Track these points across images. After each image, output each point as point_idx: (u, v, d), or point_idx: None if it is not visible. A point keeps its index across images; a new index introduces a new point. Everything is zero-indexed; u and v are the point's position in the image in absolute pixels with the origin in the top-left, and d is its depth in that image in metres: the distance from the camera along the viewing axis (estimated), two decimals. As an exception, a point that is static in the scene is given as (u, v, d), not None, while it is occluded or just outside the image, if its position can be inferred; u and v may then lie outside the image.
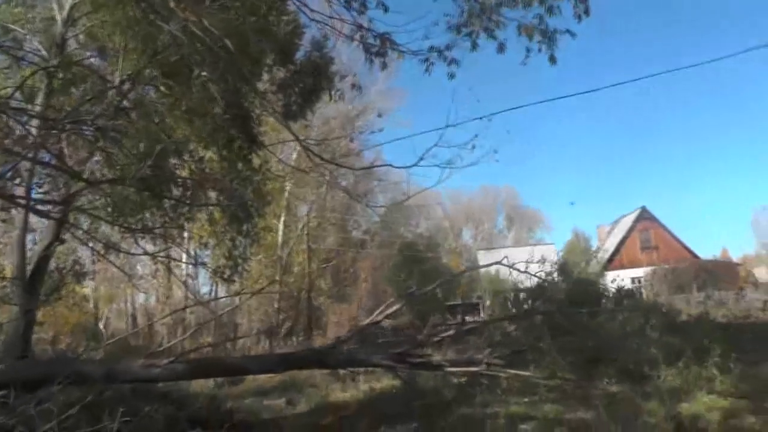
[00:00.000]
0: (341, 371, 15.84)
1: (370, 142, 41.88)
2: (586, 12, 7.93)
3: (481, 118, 10.27)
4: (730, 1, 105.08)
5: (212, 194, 12.10)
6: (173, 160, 11.85)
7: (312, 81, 12.65)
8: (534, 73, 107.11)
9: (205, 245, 18.09)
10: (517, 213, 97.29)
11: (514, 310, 24.68)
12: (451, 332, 14.36)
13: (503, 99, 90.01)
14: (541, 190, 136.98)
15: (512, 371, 12.81)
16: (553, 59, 8.44)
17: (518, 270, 13.73)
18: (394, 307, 14.17)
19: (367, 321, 14.00)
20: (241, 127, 11.39)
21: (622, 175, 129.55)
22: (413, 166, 10.47)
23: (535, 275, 18.36)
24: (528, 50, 8.33)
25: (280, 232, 37.84)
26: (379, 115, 38.18)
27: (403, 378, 13.61)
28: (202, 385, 15.61)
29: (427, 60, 8.83)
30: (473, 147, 10.74)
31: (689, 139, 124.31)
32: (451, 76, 9.02)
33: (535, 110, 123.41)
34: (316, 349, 15.48)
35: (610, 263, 55.02)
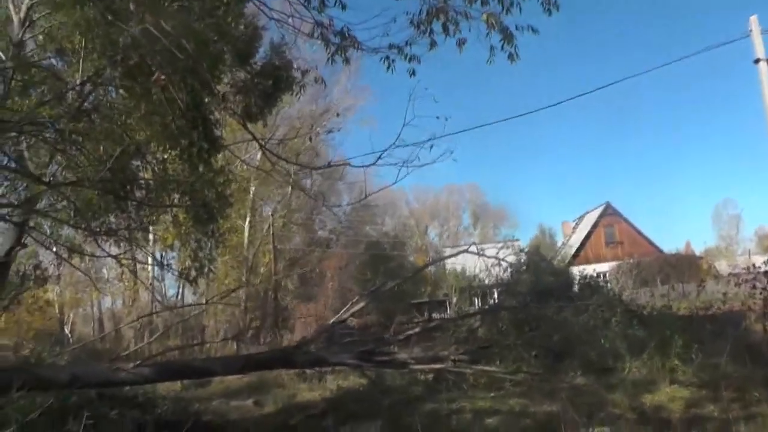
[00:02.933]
0: (308, 371, 15.86)
1: (333, 142, 41.92)
2: (556, 7, 7.94)
3: (438, 117, 10.28)
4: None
5: (175, 196, 12.01)
6: (135, 162, 11.75)
7: (272, 83, 12.57)
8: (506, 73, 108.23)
9: (171, 247, 17.96)
10: (482, 210, 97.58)
11: (480, 307, 24.84)
12: (417, 330, 14.38)
13: (475, 99, 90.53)
14: (506, 188, 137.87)
15: (478, 367, 12.90)
16: (512, 57, 8.46)
17: (485, 256, 13.81)
18: (360, 305, 14.17)
19: (333, 320, 14.00)
20: (201, 129, 11.32)
21: (587, 172, 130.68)
22: (371, 165, 10.46)
23: (500, 263, 18.54)
24: (492, 48, 8.34)
25: (246, 233, 37.65)
26: (337, 115, 38.04)
27: (370, 376, 13.64)
28: (169, 388, 15.51)
29: (387, 57, 8.84)
30: (431, 147, 10.77)
31: (652, 136, 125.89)
32: (412, 73, 9.04)
33: (501, 109, 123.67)
34: (282, 350, 15.45)
35: (576, 258, 55.49)
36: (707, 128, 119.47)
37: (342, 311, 14.03)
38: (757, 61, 17.33)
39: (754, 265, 15.18)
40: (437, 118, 10.09)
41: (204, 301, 29.56)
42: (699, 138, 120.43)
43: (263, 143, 12.72)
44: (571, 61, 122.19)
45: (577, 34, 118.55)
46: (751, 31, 17.37)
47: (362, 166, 11.28)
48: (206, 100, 10.99)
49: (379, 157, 10.04)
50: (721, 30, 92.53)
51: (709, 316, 14.89)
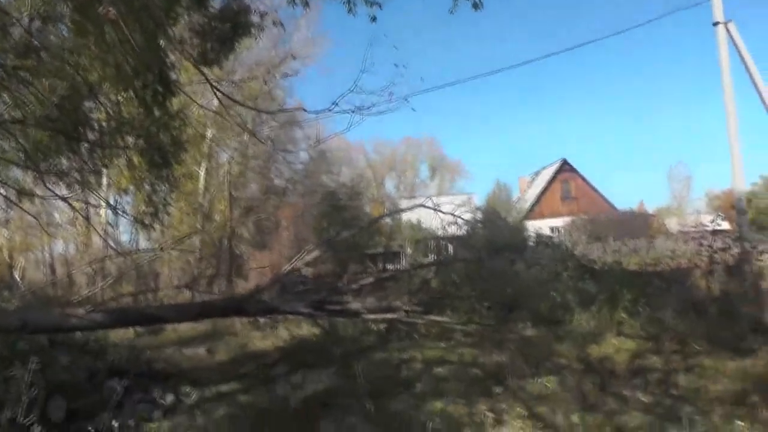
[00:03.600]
0: (261, 320, 15.88)
1: (292, 90, 41.49)
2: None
3: (396, 65, 10.21)
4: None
5: (130, 139, 11.82)
6: (89, 104, 11.51)
7: (230, 27, 12.39)
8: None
9: (125, 191, 17.72)
10: (439, 164, 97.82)
11: (434, 258, 24.99)
12: (370, 280, 14.45)
13: (440, 52, 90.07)
14: (464, 142, 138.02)
15: (430, 317, 13.03)
16: (476, 6, 8.41)
17: (440, 211, 13.84)
18: (313, 254, 14.17)
19: (286, 268, 14.00)
20: (156, 71, 11.11)
21: (544, 129, 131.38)
22: (325, 111, 10.37)
23: (456, 219, 18.61)
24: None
25: (202, 179, 37.16)
26: (293, 57, 37.53)
27: (323, 325, 13.72)
28: (121, 336, 15.44)
29: (348, 2, 8.78)
30: (390, 95, 10.71)
31: (610, 95, 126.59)
32: (373, 19, 9.01)
33: (461, 63, 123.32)
34: (235, 298, 15.42)
35: (531, 213, 56.04)
36: (666, 91, 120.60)
37: (294, 259, 14.03)
38: (716, 24, 17.61)
39: (701, 223, 15.49)
40: (395, 65, 10.05)
41: (158, 248, 29.31)
42: (657, 101, 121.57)
43: (214, 84, 12.53)
44: (538, 15, 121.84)
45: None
46: (711, -6, 17.76)
47: (315, 112, 11.20)
48: (161, 42, 10.78)
49: (334, 104, 9.97)
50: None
51: (657, 272, 15.17)
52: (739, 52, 18.17)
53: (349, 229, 21.63)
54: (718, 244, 13.14)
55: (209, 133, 35.48)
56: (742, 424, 6.44)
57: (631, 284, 14.18)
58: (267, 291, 12.87)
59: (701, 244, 13.44)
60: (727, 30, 17.85)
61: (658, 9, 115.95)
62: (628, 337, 11.53)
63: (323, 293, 13.14)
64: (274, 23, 11.29)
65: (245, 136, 37.69)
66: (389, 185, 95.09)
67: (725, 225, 30.82)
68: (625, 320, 12.73)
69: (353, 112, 10.07)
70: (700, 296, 13.17)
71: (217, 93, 12.56)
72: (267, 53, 36.30)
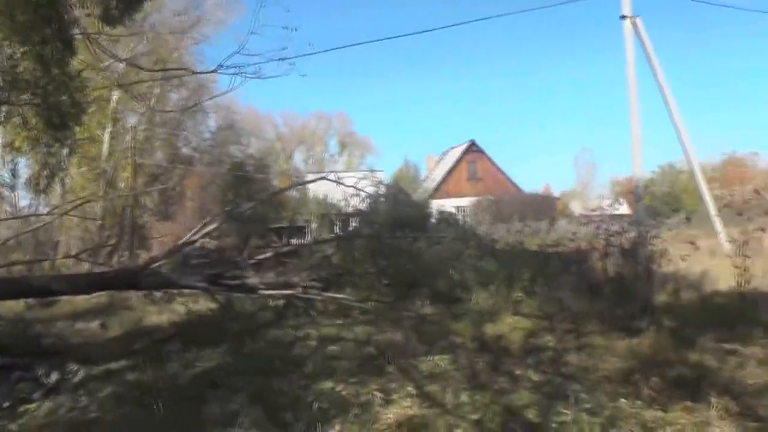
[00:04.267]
0: (158, 293, 15.46)
1: (202, 57, 40.56)
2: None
3: (286, 27, 10.03)
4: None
5: (25, 97, 11.24)
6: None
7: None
8: None
9: (19, 152, 16.96)
10: (349, 139, 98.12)
11: (338, 233, 24.84)
12: (269, 254, 14.24)
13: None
14: (375, 119, 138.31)
15: (327, 294, 12.96)
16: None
17: (343, 185, 13.68)
18: (213, 226, 13.90)
19: (183, 240, 13.66)
20: (56, 27, 10.55)
21: (455, 109, 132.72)
22: (213, 71, 10.12)
23: (360, 193, 18.48)
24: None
25: (106, 144, 36.05)
26: (201, 22, 36.75)
27: (220, 301, 13.42)
28: (10, 308, 14.79)
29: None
30: (282, 59, 10.49)
31: (521, 79, 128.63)
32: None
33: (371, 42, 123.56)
34: (129, 270, 14.99)
35: (437, 192, 56.59)
36: (575, 78, 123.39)
37: (192, 231, 13.70)
38: (623, 17, 18.24)
39: (602, 207, 15.84)
40: (285, 28, 9.85)
41: (55, 213, 28.16)
42: (568, 86, 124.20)
43: (92, 36, 11.98)
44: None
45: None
46: (620, -12, 18.53)
47: (204, 72, 10.96)
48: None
49: (220, 65, 9.71)
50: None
51: (557, 253, 15.40)
52: (643, 45, 18.87)
53: (251, 201, 21.21)
54: (615, 227, 13.42)
55: (114, 97, 34.33)
56: (625, 401, 6.57)
57: (529, 264, 14.36)
58: (163, 263, 12.54)
59: (599, 228, 13.70)
60: (634, 24, 18.45)
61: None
62: (524, 316, 11.65)
63: (221, 267, 12.88)
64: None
65: (152, 101, 36.70)
66: (298, 159, 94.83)
67: (624, 209, 31.69)
68: (522, 299, 12.87)
69: (237, 74, 9.83)
70: (596, 277, 13.42)
71: (95, 47, 12.02)
72: (178, 18, 35.37)
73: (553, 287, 13.17)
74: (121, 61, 15.90)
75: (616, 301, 11.85)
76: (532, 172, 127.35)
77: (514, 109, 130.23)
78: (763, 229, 13.03)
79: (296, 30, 10.32)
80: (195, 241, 13.29)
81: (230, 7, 42.05)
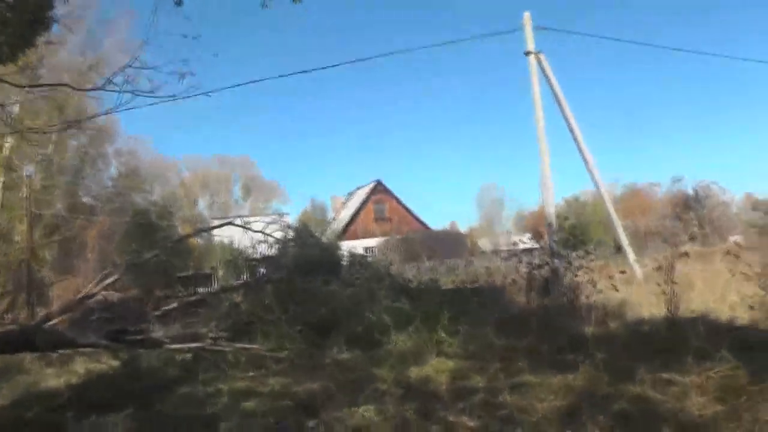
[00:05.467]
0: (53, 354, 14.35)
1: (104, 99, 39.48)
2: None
3: (185, 36, 9.52)
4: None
5: None
6: None
7: (28, 20, 11.11)
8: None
9: None
10: (254, 183, 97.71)
11: (246, 280, 24.09)
12: (174, 305, 13.51)
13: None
14: (278, 161, 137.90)
15: (238, 345, 12.23)
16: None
17: (250, 229, 13.15)
18: (114, 277, 13.17)
19: (82, 294, 12.84)
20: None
21: (362, 149, 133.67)
22: (100, 89, 9.42)
23: (266, 238, 17.87)
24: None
25: (-1, 195, 34.54)
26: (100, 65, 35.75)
27: (123, 358, 12.51)
28: None
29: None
30: (183, 76, 9.92)
31: (423, 118, 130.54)
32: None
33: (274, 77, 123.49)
34: (21, 329, 13.91)
35: (345, 233, 56.29)
36: (476, 114, 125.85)
37: (91, 285, 12.95)
38: (527, 53, 18.67)
39: (513, 242, 15.91)
40: (184, 36, 9.46)
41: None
42: (467, 123, 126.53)
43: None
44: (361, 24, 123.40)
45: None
46: (524, 25, 19.32)
47: (86, 89, 10.32)
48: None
49: (109, 80, 9.04)
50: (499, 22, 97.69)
51: (474, 289, 15.25)
52: (548, 80, 19.15)
53: (155, 249, 20.27)
54: (536, 260, 13.37)
55: (8, 144, 32.87)
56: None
57: (449, 302, 14.01)
58: (61, 320, 11.75)
59: (520, 261, 13.62)
60: (538, 59, 18.83)
61: (474, 30, 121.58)
62: (448, 356, 11.17)
63: (124, 321, 12.17)
64: (74, 24, 10.17)
65: (50, 148, 35.37)
66: (202, 205, 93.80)
67: (533, 244, 32.15)
68: (444, 339, 12.38)
69: (127, 91, 9.19)
70: (519, 312, 13.17)
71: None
72: (77, 58, 34.51)
73: (475, 324, 12.76)
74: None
75: (542, 334, 11.50)
76: (438, 210, 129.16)
77: (418, 147, 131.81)
78: (686, 254, 13.00)
79: (196, 38, 9.79)
80: (95, 294, 12.46)
81: (130, 45, 41.33)
